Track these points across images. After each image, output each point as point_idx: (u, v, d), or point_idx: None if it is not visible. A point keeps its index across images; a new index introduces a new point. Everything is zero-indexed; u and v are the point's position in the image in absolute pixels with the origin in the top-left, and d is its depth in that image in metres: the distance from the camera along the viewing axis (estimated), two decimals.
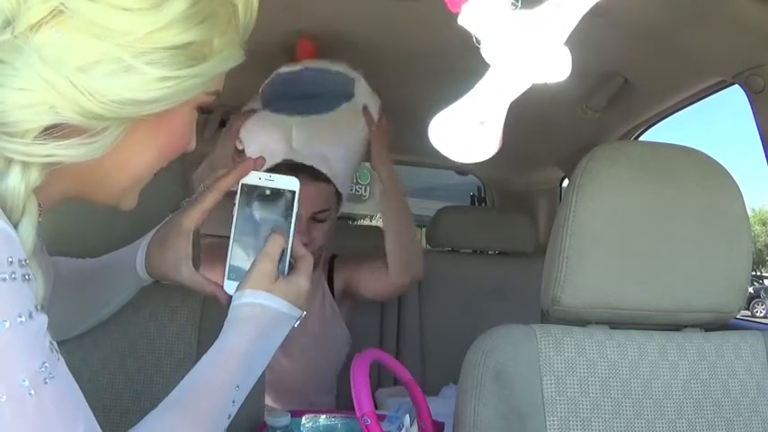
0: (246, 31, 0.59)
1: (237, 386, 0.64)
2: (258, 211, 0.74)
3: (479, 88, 0.48)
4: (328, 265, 1.58)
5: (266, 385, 1.05)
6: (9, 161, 0.46)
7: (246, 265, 0.73)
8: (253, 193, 0.74)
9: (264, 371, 0.71)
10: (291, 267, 0.73)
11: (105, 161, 0.52)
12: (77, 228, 0.85)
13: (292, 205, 0.74)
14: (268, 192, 0.74)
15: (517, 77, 0.47)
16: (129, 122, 0.51)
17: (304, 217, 1.37)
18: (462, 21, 0.46)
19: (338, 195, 1.45)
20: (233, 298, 0.69)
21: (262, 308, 0.67)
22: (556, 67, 0.47)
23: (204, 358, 0.64)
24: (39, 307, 0.45)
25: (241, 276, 0.72)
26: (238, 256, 0.74)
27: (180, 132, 0.59)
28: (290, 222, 0.74)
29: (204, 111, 0.62)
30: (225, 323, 0.67)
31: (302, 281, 0.71)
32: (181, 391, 0.61)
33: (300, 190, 0.74)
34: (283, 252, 0.72)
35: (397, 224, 1.46)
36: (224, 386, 0.63)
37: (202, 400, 0.61)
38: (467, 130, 0.49)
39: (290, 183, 0.74)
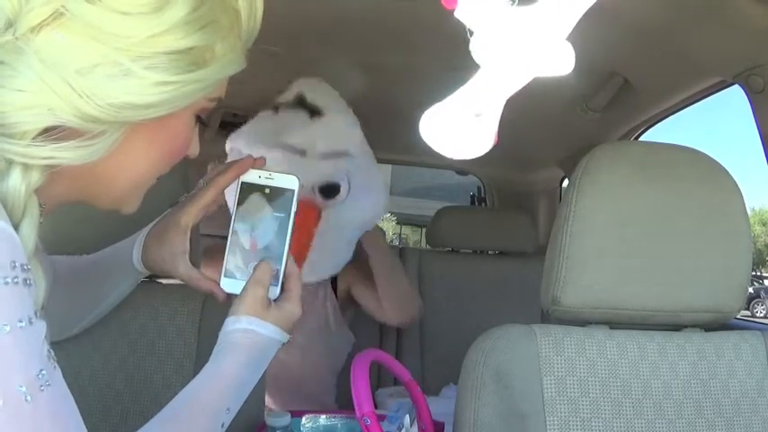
0: (250, 38, 0.58)
1: (228, 409, 0.64)
2: (257, 209, 0.74)
3: (474, 81, 0.47)
4: None
5: (266, 382, 1.05)
6: (10, 162, 0.46)
7: (244, 264, 0.73)
8: (252, 191, 0.74)
9: (265, 373, 0.72)
10: (285, 280, 0.74)
11: (104, 164, 0.52)
12: (77, 227, 0.86)
13: (291, 204, 0.74)
14: (267, 190, 0.74)
15: (514, 72, 0.47)
16: (128, 126, 0.51)
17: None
18: (459, 14, 0.46)
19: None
20: (226, 322, 0.70)
21: (255, 334, 0.68)
22: (558, 62, 0.47)
23: (197, 379, 0.65)
24: (37, 313, 0.45)
25: (238, 274, 0.73)
26: (236, 253, 0.74)
27: (181, 138, 0.59)
28: (289, 221, 0.74)
29: (202, 122, 0.61)
30: (218, 345, 0.68)
31: (294, 308, 0.72)
32: (172, 410, 0.62)
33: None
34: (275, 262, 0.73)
35: (385, 283, 1.47)
36: (216, 408, 0.63)
37: (194, 421, 0.61)
38: (460, 125, 0.48)
39: (289, 181, 0.74)
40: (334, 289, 1.54)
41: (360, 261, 1.53)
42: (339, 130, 1.41)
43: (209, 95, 0.57)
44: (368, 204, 1.45)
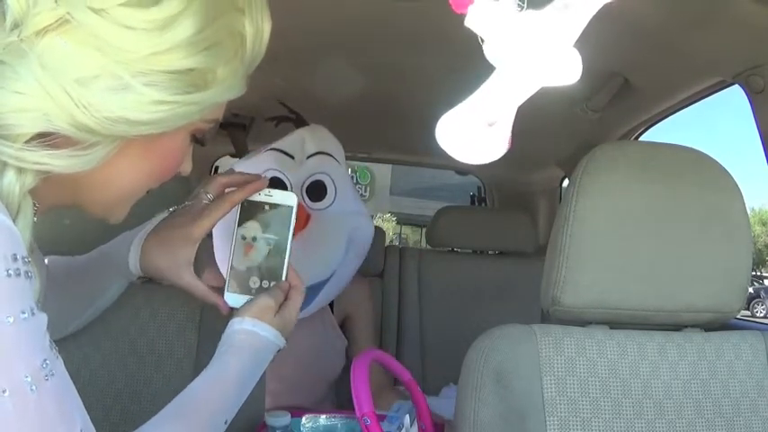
0: (253, 63, 0.58)
1: (230, 408, 0.67)
2: (257, 225, 0.77)
3: (487, 89, 0.48)
4: None
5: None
6: (4, 163, 0.47)
7: (246, 279, 0.76)
8: (252, 207, 0.77)
9: (264, 374, 0.74)
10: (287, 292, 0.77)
11: (94, 175, 0.52)
12: (72, 226, 0.86)
13: (290, 219, 0.77)
14: (267, 207, 0.77)
15: (526, 79, 0.47)
16: (121, 140, 0.51)
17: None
18: (469, 22, 0.46)
19: None
20: (231, 323, 0.72)
21: (257, 336, 0.71)
22: (566, 70, 0.47)
23: (201, 377, 0.67)
24: (38, 305, 0.46)
25: (240, 289, 0.76)
26: (239, 269, 0.77)
27: (173, 156, 0.59)
28: (288, 236, 0.77)
29: (198, 141, 0.61)
30: (221, 345, 0.71)
31: (293, 314, 0.76)
32: (176, 407, 0.63)
33: None
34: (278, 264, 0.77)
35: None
36: (219, 406, 0.65)
37: (197, 418, 0.63)
38: (475, 131, 0.48)
39: (288, 198, 0.78)
40: (330, 305, 1.53)
41: (359, 297, 1.54)
42: (325, 135, 1.46)
43: (205, 117, 0.57)
44: (355, 211, 1.46)
